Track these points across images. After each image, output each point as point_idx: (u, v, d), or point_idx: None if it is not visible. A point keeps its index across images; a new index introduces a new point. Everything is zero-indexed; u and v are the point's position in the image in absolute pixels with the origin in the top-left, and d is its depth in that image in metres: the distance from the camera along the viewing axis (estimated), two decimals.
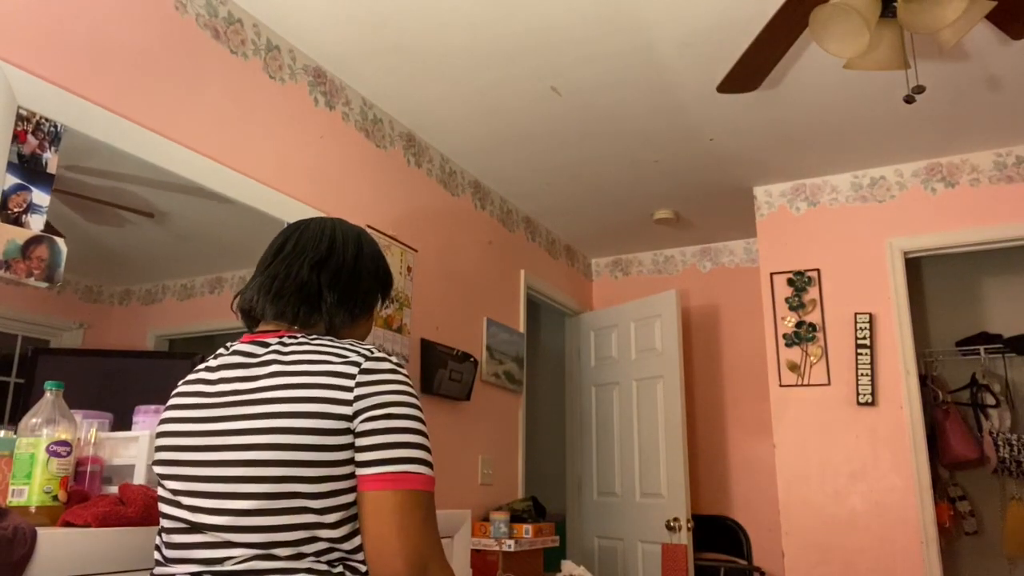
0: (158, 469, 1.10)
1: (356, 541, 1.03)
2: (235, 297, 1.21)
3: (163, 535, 1.08)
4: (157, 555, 1.10)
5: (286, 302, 1.14)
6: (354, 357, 1.04)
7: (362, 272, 1.21)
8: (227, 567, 1.00)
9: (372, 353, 1.06)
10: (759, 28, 2.36)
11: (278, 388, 1.03)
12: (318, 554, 1.00)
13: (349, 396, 1.01)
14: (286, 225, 2.37)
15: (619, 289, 4.87)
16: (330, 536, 1.01)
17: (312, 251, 1.18)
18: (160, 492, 1.10)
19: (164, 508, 1.08)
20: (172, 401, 1.14)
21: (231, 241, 2.33)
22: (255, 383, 1.05)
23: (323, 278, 1.16)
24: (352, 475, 1.01)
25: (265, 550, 0.99)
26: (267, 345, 1.10)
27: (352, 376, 1.02)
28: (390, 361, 1.06)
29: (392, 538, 0.98)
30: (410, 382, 1.08)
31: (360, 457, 1.01)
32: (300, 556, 0.99)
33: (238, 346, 1.13)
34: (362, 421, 1.01)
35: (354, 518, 1.03)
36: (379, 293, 1.27)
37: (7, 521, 1.10)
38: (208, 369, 1.13)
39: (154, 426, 1.57)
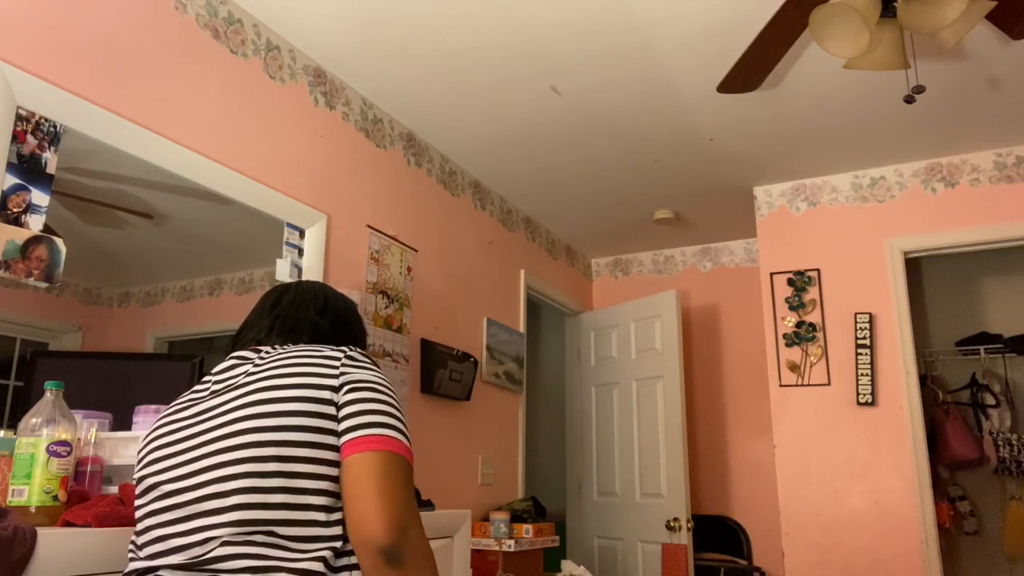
0: (144, 471, 1.11)
1: (339, 528, 1.03)
2: (233, 343, 1.29)
3: (141, 535, 1.08)
4: (132, 553, 1.10)
5: (298, 337, 1.26)
6: (337, 352, 1.14)
7: (351, 321, 1.37)
8: (209, 552, 1.00)
9: (352, 349, 1.16)
10: (759, 28, 2.36)
11: (272, 367, 1.10)
12: (302, 539, 1.00)
13: (336, 372, 1.09)
14: (284, 226, 2.40)
15: (619, 289, 4.87)
16: (316, 518, 1.01)
17: (312, 300, 1.33)
18: (139, 501, 1.11)
19: (146, 507, 1.08)
20: (160, 421, 1.17)
21: (230, 243, 2.33)
22: (251, 371, 1.12)
23: (326, 322, 1.31)
24: (337, 448, 1.05)
25: (246, 534, 0.99)
26: (259, 351, 1.19)
27: (338, 358, 1.12)
28: (369, 358, 1.17)
29: (372, 496, 0.99)
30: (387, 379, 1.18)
31: (344, 425, 1.05)
32: (278, 544, 0.99)
33: (228, 360, 1.19)
34: (346, 392, 1.07)
35: (338, 496, 1.04)
36: (363, 344, 1.41)
37: (7, 521, 1.10)
38: (200, 383, 1.20)
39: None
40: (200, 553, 1.00)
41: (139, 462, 1.14)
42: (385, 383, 1.12)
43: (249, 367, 1.13)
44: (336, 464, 1.04)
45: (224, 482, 1.01)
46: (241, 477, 1.00)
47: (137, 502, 1.11)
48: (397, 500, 1.00)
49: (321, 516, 1.01)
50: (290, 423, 1.03)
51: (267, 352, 1.16)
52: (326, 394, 1.06)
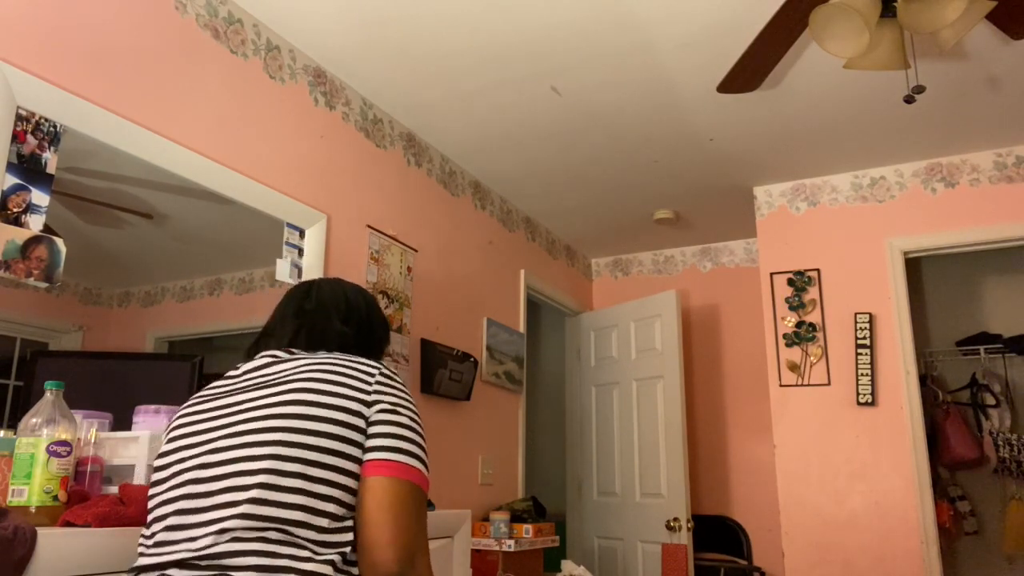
0: (166, 459, 1.12)
1: (348, 535, 1.04)
2: (255, 346, 1.30)
3: (155, 524, 1.09)
4: (142, 548, 1.10)
5: (327, 348, 1.27)
6: (372, 368, 1.16)
7: (374, 323, 1.38)
8: (219, 546, 1.00)
9: (385, 367, 1.18)
10: (759, 28, 2.36)
11: (307, 371, 1.12)
12: (314, 542, 1.01)
13: (369, 388, 1.12)
14: (284, 226, 2.40)
15: (619, 289, 4.87)
16: (327, 524, 1.02)
17: (334, 308, 1.34)
18: (155, 489, 1.11)
19: (161, 508, 1.08)
20: (185, 410, 1.18)
21: (230, 243, 2.33)
22: (286, 372, 1.14)
23: (351, 330, 1.32)
24: (358, 460, 1.07)
25: (259, 530, 0.99)
26: (292, 353, 1.22)
27: (372, 375, 1.14)
28: (398, 378, 1.19)
29: (387, 526, 1.03)
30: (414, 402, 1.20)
31: (371, 444, 1.08)
32: (292, 542, 1.00)
33: (260, 358, 1.21)
34: (377, 412, 1.10)
35: (351, 507, 1.05)
36: (386, 341, 1.43)
37: (7, 521, 1.10)
38: (229, 378, 1.21)
39: (155, 426, 1.57)
40: (211, 543, 1.00)
41: (161, 450, 1.15)
42: (414, 408, 1.16)
43: (284, 366, 1.15)
44: (354, 476, 1.06)
45: (245, 476, 1.02)
46: (262, 473, 1.01)
47: (153, 489, 1.12)
48: (409, 531, 1.05)
49: (333, 523, 1.03)
50: (318, 428, 1.05)
51: (301, 355, 1.19)
52: (356, 406, 1.09)
